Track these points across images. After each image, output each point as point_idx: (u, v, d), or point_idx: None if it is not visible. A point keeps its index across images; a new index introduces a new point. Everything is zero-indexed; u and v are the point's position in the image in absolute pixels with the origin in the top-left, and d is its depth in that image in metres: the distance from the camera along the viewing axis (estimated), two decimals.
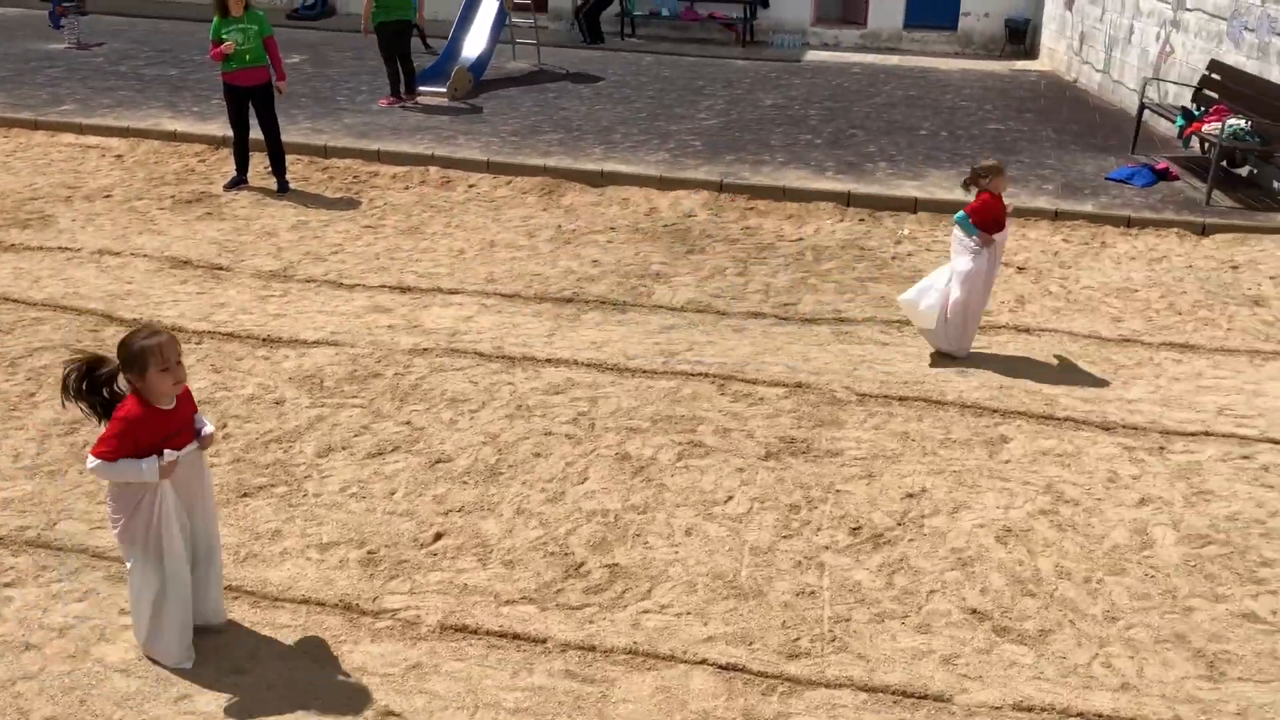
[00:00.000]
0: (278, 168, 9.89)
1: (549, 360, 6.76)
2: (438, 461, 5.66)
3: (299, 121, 11.54)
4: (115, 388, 4.00)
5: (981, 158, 7.85)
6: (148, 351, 3.89)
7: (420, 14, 12.37)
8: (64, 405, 4.08)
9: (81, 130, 11.26)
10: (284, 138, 10.05)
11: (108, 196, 9.64)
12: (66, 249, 8.40)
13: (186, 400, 4.13)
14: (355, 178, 10.34)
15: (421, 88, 13.00)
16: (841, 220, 9.57)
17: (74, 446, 5.71)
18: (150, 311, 7.30)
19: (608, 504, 5.33)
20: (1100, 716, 4.06)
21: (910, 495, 5.45)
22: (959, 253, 6.84)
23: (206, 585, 4.31)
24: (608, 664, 4.31)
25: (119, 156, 10.69)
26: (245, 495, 5.35)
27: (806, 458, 5.77)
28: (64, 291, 7.58)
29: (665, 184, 10.16)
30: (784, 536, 5.12)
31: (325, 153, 10.79)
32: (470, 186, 10.16)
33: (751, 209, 9.78)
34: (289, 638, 4.40)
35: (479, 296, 7.77)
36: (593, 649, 4.39)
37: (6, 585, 4.64)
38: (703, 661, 4.33)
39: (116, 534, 4.12)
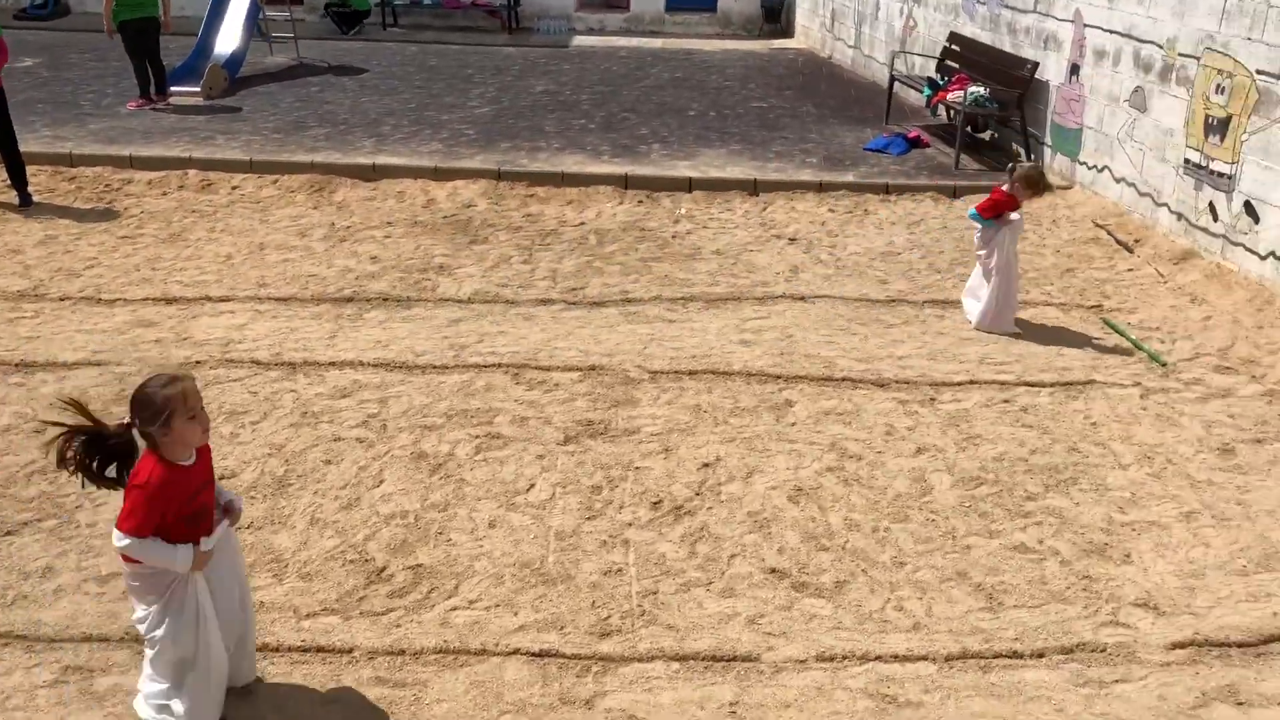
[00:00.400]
0: (17, 179, 9.15)
1: (332, 363, 6.55)
2: (221, 478, 5.36)
3: (38, 130, 10.73)
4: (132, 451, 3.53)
5: (1020, 162, 8.24)
6: (172, 401, 3.44)
7: (165, 11, 11.69)
8: (81, 483, 3.59)
9: None
10: (23, 147, 9.32)
11: None
12: None
13: (205, 452, 3.69)
14: (107, 186, 9.71)
15: (173, 88, 12.31)
16: (621, 203, 9.69)
17: None
18: None
19: (406, 505, 5.22)
20: (896, 657, 4.29)
21: (706, 465, 5.59)
22: (980, 247, 7.23)
23: (241, 655, 3.94)
24: (418, 666, 4.23)
25: None
26: (8, 533, 4.95)
27: (605, 438, 5.82)
28: None
29: (441, 174, 10.01)
30: (588, 518, 5.15)
31: (71, 161, 10.07)
32: (234, 188, 9.71)
33: (532, 196, 9.76)
34: (72, 679, 4.10)
35: (252, 302, 7.44)
36: (401, 653, 4.29)
37: None
38: (515, 651, 4.31)
39: (142, 616, 3.67)
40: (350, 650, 4.30)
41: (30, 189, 9.24)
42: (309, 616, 4.49)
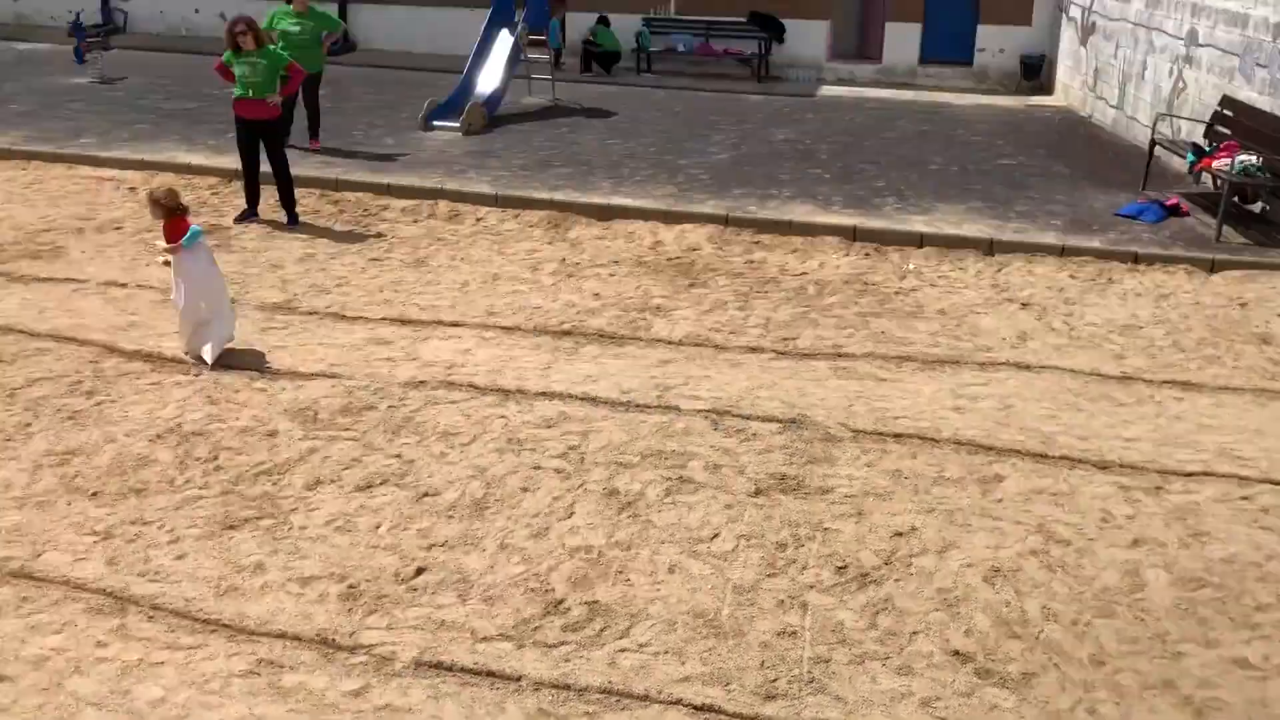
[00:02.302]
0: (285, 201, 9.97)
1: (543, 393, 6.75)
2: (425, 495, 5.65)
3: (310, 155, 11.66)
4: None
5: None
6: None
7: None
8: None
9: (98, 163, 11.43)
10: (297, 170, 10.16)
11: (119, 229, 9.76)
12: (74, 280, 8.49)
13: None
14: (365, 211, 10.43)
15: (435, 123, 13.12)
16: (846, 255, 9.55)
17: (64, 478, 5.74)
18: (153, 343, 7.36)
19: (592, 540, 5.30)
20: None
21: (899, 534, 5.39)
22: None
23: None
24: (581, 703, 4.27)
25: (133, 189, 10.83)
26: (231, 528, 5.36)
27: (796, 495, 5.72)
28: (69, 323, 7.66)
29: (671, 217, 10.18)
30: (768, 575, 5.07)
31: (337, 185, 10.89)
32: (478, 220, 10.22)
33: (757, 243, 9.77)
34: (263, 672, 4.38)
35: (478, 329, 7.78)
36: (567, 688, 4.35)
37: None
38: (677, 701, 4.28)
39: None
40: (519, 678, 4.40)
41: (298, 209, 10.03)
42: (485, 640, 4.62)
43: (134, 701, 4.21)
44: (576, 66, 17.82)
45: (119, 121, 13.03)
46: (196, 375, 6.93)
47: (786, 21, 18.16)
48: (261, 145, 9.76)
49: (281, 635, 4.61)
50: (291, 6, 11.74)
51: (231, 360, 7.12)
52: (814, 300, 8.51)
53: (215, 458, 5.98)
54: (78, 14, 18.05)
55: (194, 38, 19.31)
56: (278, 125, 9.79)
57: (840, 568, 5.12)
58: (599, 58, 17.93)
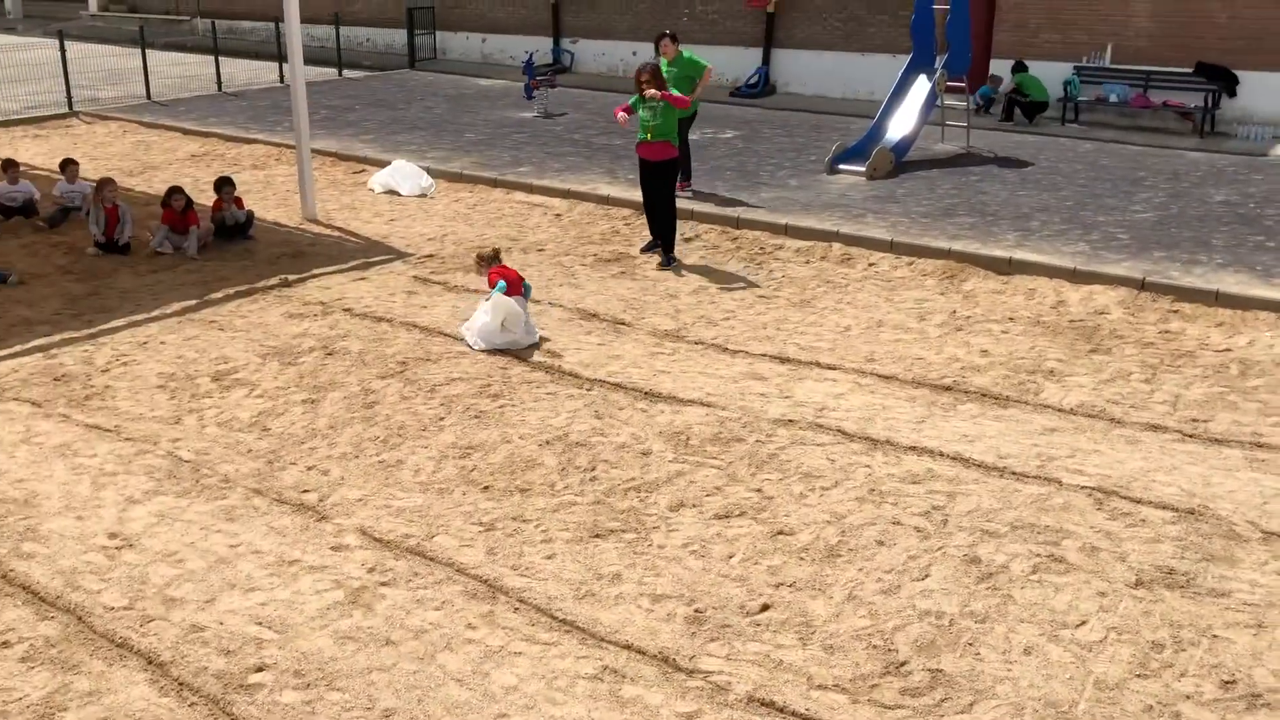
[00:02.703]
0: (665, 242, 10.28)
1: (912, 448, 6.58)
2: (779, 533, 5.69)
3: (719, 192, 12.14)
4: None
5: None
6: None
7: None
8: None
9: (531, 190, 12.60)
10: (697, 207, 10.59)
11: (541, 250, 10.69)
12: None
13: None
14: (761, 249, 10.69)
15: (840, 166, 13.21)
16: None
17: (463, 470, 6.36)
18: (552, 359, 7.98)
19: (945, 606, 5.08)
20: None
21: None
22: None
23: None
24: None
25: (558, 215, 11.82)
26: (597, 536, 5.68)
27: (1184, 593, 5.16)
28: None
29: (1079, 277, 9.57)
30: (1138, 675, 4.61)
31: (737, 224, 11.26)
32: (870, 265, 10.16)
33: (1175, 312, 8.94)
34: (606, 679, 4.60)
35: (855, 375, 7.73)
36: None
37: (383, 584, 5.26)
38: None
39: None
40: None
41: (675, 253, 10.29)
42: (820, 688, 4.56)
43: (490, 685, 4.57)
44: (997, 114, 17.25)
45: (553, 153, 14.28)
46: (588, 390, 7.42)
47: (1241, 73, 16.50)
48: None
49: (628, 646, 4.82)
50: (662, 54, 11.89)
51: (621, 379, 7.56)
52: (1236, 381, 7.64)
53: (593, 468, 6.37)
54: (531, 55, 20.00)
55: (629, 79, 20.78)
56: (665, 168, 10.14)
57: (1227, 682, 4.55)
58: (1023, 106, 17.24)
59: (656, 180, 10.18)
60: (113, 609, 5.06)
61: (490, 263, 8.62)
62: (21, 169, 12.10)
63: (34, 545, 5.59)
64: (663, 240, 10.33)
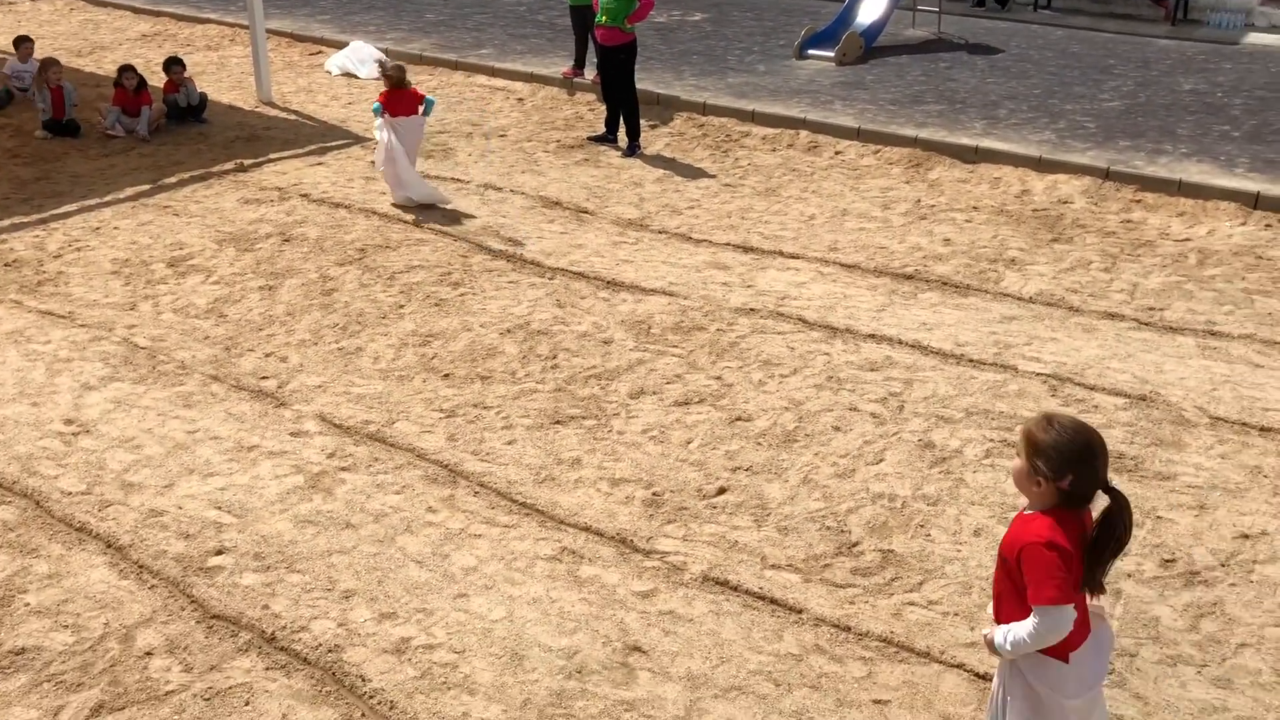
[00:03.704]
0: (629, 129, 10.07)
1: (871, 335, 6.61)
2: (738, 419, 5.74)
3: (685, 78, 11.92)
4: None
5: None
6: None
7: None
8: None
9: (493, 73, 12.31)
10: (673, 93, 10.38)
11: (503, 136, 10.50)
12: (459, 180, 9.26)
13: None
14: (727, 136, 10.55)
15: (810, 51, 12.99)
16: (1243, 224, 8.53)
17: (424, 357, 6.34)
18: (513, 248, 7.91)
19: (897, 489, 5.17)
20: None
21: (1245, 536, 4.85)
22: None
23: None
24: (859, 647, 4.23)
25: (520, 100, 11.58)
26: (558, 423, 5.71)
27: (1132, 477, 5.28)
28: (447, 218, 8.38)
29: (1044, 166, 9.53)
30: None
31: (704, 110, 11.08)
32: (836, 153, 10.06)
33: (1138, 201, 8.95)
34: (564, 560, 4.68)
35: (818, 264, 7.72)
36: (848, 629, 4.31)
37: (343, 469, 5.28)
38: (960, 666, 4.13)
39: None
40: (800, 611, 4.41)
41: (640, 140, 10.10)
42: (773, 567, 4.66)
43: (450, 566, 4.63)
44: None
45: (516, 34, 13.92)
46: (549, 279, 7.38)
47: None
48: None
49: (586, 529, 4.89)
50: None
51: (583, 268, 7.52)
52: (1193, 270, 7.70)
53: (554, 356, 6.37)
54: None
55: None
56: (621, 53, 9.91)
57: (1167, 560, 4.69)
58: None
59: (610, 66, 9.95)
60: (70, 494, 5.06)
61: (393, 84, 8.60)
62: None
63: None
64: (626, 127, 10.15)
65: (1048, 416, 2.97)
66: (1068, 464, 2.86)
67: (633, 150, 10.07)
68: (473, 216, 8.43)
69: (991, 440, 5.55)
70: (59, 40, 13.81)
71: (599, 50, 10.01)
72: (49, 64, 10.31)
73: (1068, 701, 2.98)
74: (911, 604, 4.46)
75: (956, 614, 4.40)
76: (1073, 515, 2.92)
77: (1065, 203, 8.94)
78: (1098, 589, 2.96)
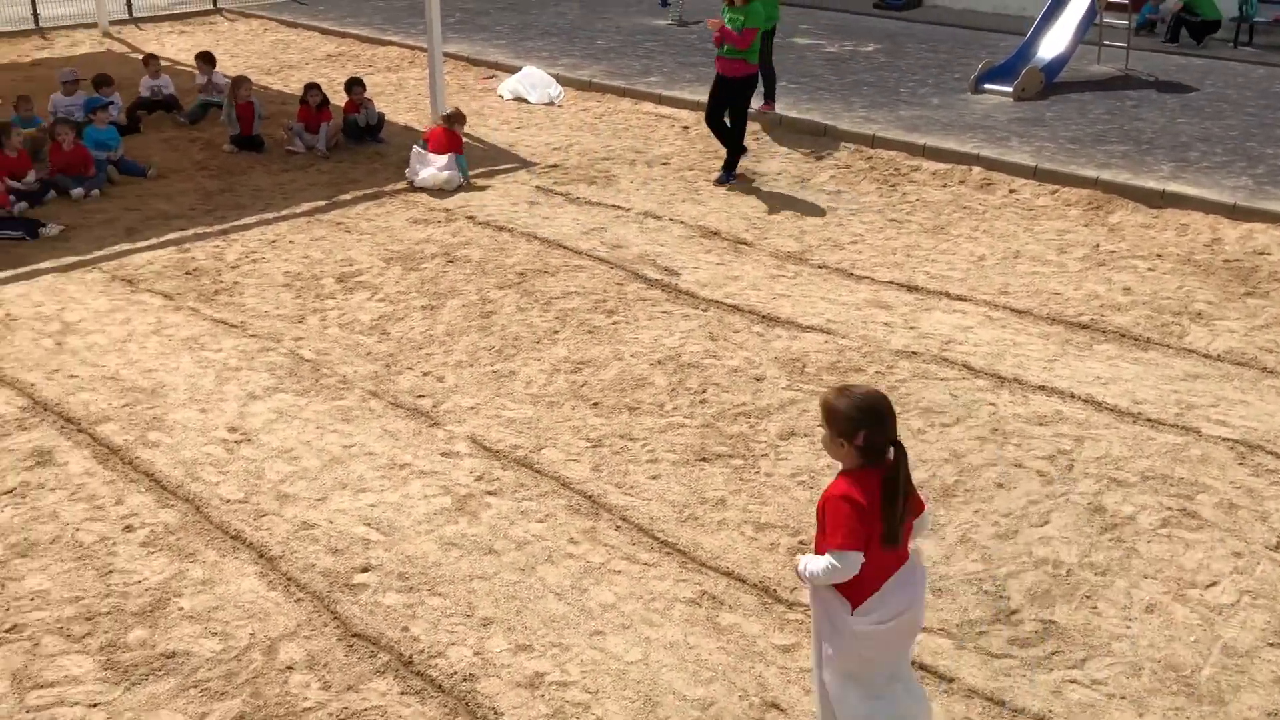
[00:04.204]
0: (729, 158, 9.93)
1: (1041, 387, 6.27)
2: None
3: (855, 109, 11.69)
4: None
5: None
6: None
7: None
8: None
9: (660, 101, 12.33)
10: (834, 123, 10.20)
11: (665, 164, 10.48)
12: (619, 207, 9.27)
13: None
14: (896, 170, 10.28)
15: (986, 85, 12.57)
16: None
17: (574, 384, 6.32)
18: (668, 277, 7.84)
19: (1063, 555, 4.85)
20: None
21: None
22: None
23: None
24: None
25: (685, 128, 11.56)
26: (704, 460, 5.59)
27: None
28: (606, 245, 8.39)
29: (1238, 214, 8.92)
30: (1271, 644, 4.33)
31: (872, 142, 10.84)
32: (1011, 192, 9.67)
33: None
34: (704, 604, 4.54)
35: (986, 307, 7.39)
36: (1001, 703, 4.05)
37: (489, 493, 5.28)
38: None
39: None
40: (951, 680, 4.16)
41: (737, 171, 9.95)
42: (924, 631, 4.41)
43: (588, 601, 4.55)
44: (1162, 34, 16.15)
45: (685, 63, 13.93)
46: (703, 310, 7.28)
47: None
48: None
49: (728, 574, 4.75)
50: None
51: (738, 301, 7.40)
52: None
53: (703, 391, 6.26)
54: None
55: None
56: (742, 84, 9.71)
57: None
58: (1191, 26, 16.08)
59: (731, 95, 9.73)
60: (229, 501, 5.21)
61: (449, 122, 9.83)
62: (164, 64, 12.41)
63: (159, 435, 5.79)
64: (729, 155, 9.95)
65: (841, 387, 3.46)
66: (859, 424, 3.28)
67: (725, 179, 9.92)
68: (630, 245, 8.41)
69: (1169, 509, 5.16)
70: (251, 59, 14.54)
71: (718, 80, 9.81)
72: (240, 82, 10.82)
73: (858, 627, 3.37)
74: (1073, 682, 4.15)
75: (1123, 697, 4.07)
76: (872, 473, 3.31)
77: (1261, 254, 8.33)
78: (892, 540, 3.29)
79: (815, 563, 3.34)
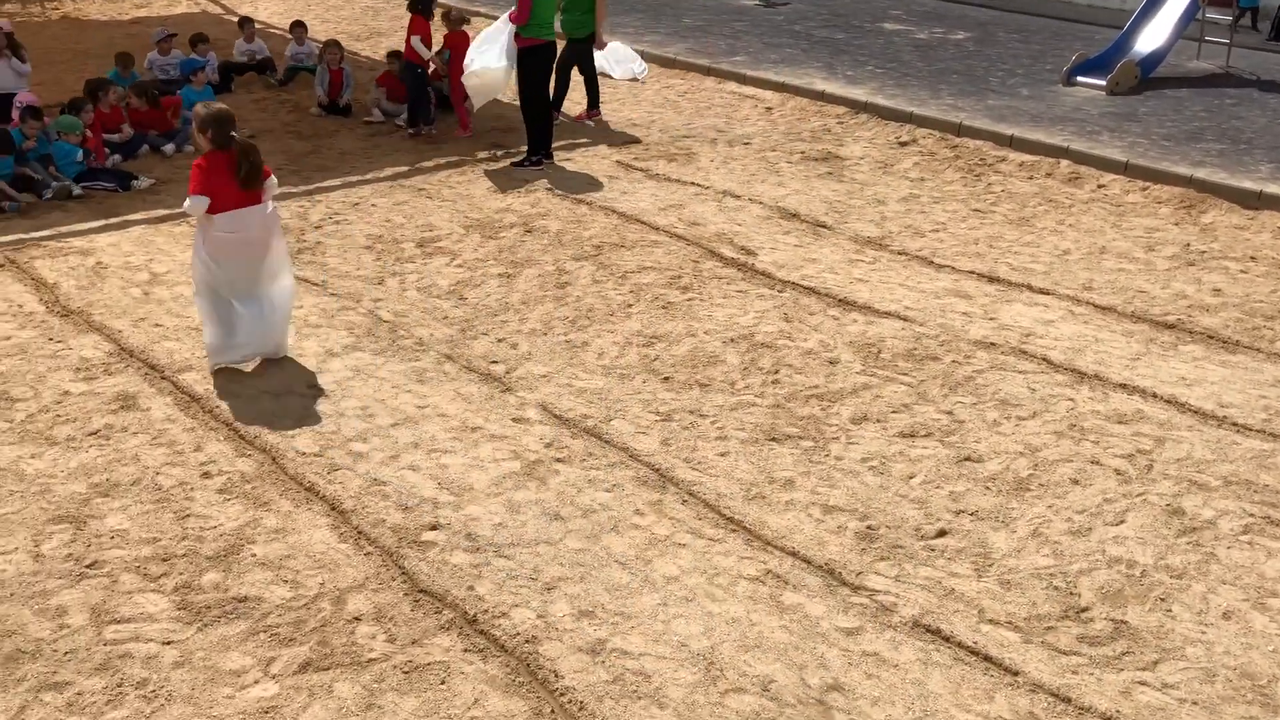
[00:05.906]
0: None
1: (1123, 385, 6.13)
2: (966, 459, 5.42)
3: (942, 96, 11.50)
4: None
5: None
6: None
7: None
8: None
9: (744, 80, 12.24)
10: (920, 110, 10.06)
11: (747, 144, 10.41)
12: (698, 185, 9.24)
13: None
14: (981, 160, 10.09)
15: (1079, 78, 12.28)
16: None
17: (646, 358, 6.33)
18: (745, 256, 7.80)
19: (1138, 555, 4.75)
20: None
21: None
22: None
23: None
24: None
25: (769, 109, 11.47)
26: (773, 440, 5.56)
27: None
28: (684, 222, 8.36)
29: None
30: None
31: (958, 131, 10.64)
32: (1099, 187, 9.44)
33: None
34: (768, 583, 4.53)
35: (1069, 302, 7.24)
36: (1067, 700, 3.98)
37: (559, 460, 5.31)
38: None
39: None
40: (1017, 673, 4.10)
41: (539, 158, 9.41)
42: (991, 622, 4.36)
43: (652, 572, 4.57)
44: (1265, 31, 15.63)
45: (771, 44, 13.81)
46: (779, 292, 7.23)
47: None
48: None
49: (793, 554, 4.72)
50: None
51: (815, 283, 7.33)
52: None
53: (776, 371, 6.23)
54: None
55: None
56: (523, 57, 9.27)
57: None
58: None
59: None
60: (304, 454, 5.31)
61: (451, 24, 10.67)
62: (258, 27, 12.60)
63: (238, 386, 5.91)
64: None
65: (204, 104, 5.94)
66: (208, 126, 5.69)
67: (524, 163, 9.47)
68: (708, 223, 8.38)
69: (1252, 515, 5.02)
70: (341, 24, 14.71)
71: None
72: (331, 46, 10.96)
73: (213, 232, 5.77)
74: (1143, 684, 4.07)
75: (1195, 703, 3.98)
76: (219, 154, 5.71)
77: None
78: (246, 185, 5.75)
79: (187, 203, 5.68)
